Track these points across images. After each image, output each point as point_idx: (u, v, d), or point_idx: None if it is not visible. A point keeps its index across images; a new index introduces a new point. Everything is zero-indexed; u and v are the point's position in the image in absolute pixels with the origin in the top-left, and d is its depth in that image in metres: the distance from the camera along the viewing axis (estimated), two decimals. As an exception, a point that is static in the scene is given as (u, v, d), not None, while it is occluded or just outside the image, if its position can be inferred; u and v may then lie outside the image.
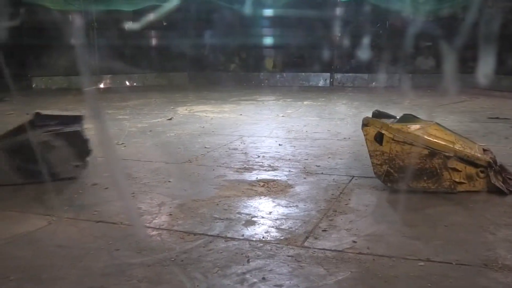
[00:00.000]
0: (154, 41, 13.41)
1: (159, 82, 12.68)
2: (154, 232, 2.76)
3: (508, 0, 10.48)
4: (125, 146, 5.13)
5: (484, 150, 3.65)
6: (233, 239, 2.65)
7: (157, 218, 2.98)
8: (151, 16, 12.66)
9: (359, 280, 2.21)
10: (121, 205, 3.21)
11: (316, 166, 4.19)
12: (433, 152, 3.31)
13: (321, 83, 12.18)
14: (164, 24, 13.63)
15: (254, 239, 2.66)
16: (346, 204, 3.22)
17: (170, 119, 6.95)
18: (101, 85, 12.16)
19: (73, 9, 11.61)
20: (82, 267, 2.33)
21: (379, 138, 3.42)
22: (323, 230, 2.77)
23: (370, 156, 3.48)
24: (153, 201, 3.30)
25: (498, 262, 2.34)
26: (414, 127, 3.42)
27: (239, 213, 3.06)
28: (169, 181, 3.78)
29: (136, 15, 12.96)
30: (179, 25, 12.66)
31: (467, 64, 10.76)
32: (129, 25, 12.31)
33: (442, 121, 6.03)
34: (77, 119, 3.86)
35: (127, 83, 12.61)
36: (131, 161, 4.45)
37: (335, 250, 2.50)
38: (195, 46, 13.10)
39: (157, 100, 9.31)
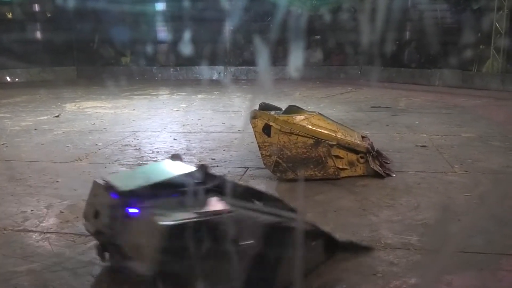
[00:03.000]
0: (38, 34, 12.58)
1: (44, 77, 11.91)
2: (41, 236, 2.61)
3: None
4: (6, 146, 4.78)
5: (363, 137, 3.89)
6: (127, 237, 2.59)
7: (44, 221, 2.82)
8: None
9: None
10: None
11: (212, 159, 4.21)
12: (318, 141, 3.46)
13: (215, 77, 12.22)
14: (48, 15, 12.85)
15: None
16: (241, 195, 3.27)
17: (58, 116, 6.58)
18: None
19: None
20: (-41, 279, 2.15)
21: (267, 130, 3.50)
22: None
23: (259, 147, 3.56)
24: (40, 203, 3.12)
25: (381, 242, 2.52)
26: (299, 118, 3.54)
27: (133, 210, 2.99)
28: (58, 181, 3.59)
29: (17, 6, 12.11)
30: (66, 18, 12.00)
31: (355, 57, 11.41)
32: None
33: (330, 111, 6.35)
34: None
35: (8, 78, 11.74)
36: (14, 162, 4.17)
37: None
38: (84, 39, 12.50)
39: (42, 97, 8.77)
